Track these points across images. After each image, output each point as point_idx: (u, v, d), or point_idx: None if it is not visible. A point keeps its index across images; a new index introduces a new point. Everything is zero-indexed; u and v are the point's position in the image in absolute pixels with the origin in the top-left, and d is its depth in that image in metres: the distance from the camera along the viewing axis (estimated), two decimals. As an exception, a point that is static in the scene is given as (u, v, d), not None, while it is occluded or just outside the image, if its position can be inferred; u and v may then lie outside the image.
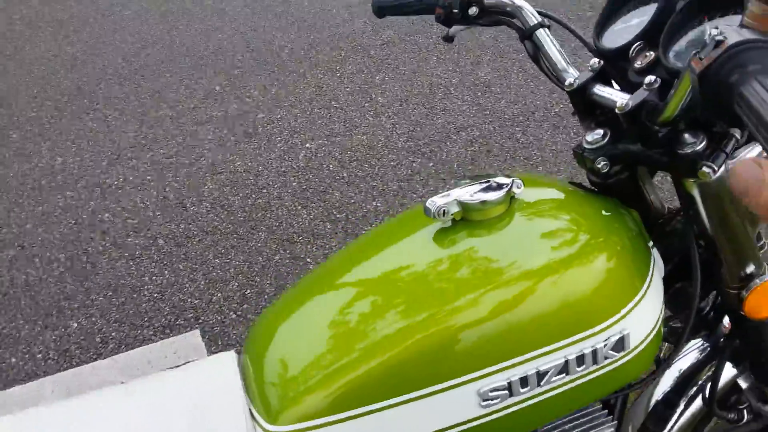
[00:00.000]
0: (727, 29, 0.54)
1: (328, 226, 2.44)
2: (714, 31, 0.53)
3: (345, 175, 2.70)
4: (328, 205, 2.54)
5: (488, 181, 0.78)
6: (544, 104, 2.98)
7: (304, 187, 2.65)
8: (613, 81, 0.84)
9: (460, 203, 0.75)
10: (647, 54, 0.78)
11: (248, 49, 3.76)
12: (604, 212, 0.80)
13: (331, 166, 2.75)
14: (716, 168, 0.69)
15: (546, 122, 2.88)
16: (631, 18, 0.84)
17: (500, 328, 0.70)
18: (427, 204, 0.75)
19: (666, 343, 0.94)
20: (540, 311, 0.71)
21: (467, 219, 0.76)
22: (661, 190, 0.87)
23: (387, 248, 0.81)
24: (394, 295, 0.74)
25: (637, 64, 0.78)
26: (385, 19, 3.87)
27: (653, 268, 0.79)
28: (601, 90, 0.80)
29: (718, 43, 0.52)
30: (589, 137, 0.79)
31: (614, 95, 0.77)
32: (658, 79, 0.71)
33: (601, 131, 0.79)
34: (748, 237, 0.83)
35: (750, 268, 0.84)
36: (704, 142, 0.69)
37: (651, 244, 0.82)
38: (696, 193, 0.77)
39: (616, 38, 0.83)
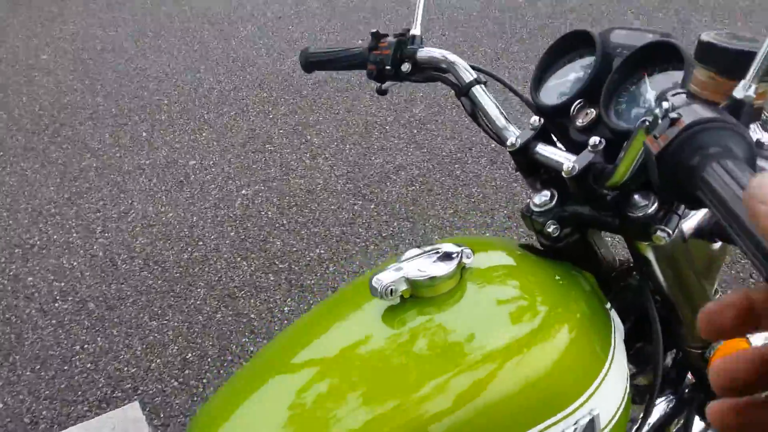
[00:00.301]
0: (679, 102, 0.51)
1: (271, 278, 2.36)
2: (665, 104, 0.51)
3: (285, 222, 2.62)
4: (269, 255, 2.46)
5: (437, 251, 0.74)
6: (479, 140, 3.00)
7: (243, 237, 2.56)
8: (554, 138, 0.82)
9: (409, 280, 0.71)
10: (588, 112, 0.76)
11: (175, 92, 3.64)
12: (558, 278, 0.77)
13: (269, 213, 2.67)
14: (671, 232, 0.67)
15: (483, 158, 2.90)
16: (567, 72, 0.83)
17: (466, 419, 0.66)
18: (372, 283, 0.70)
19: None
20: (505, 397, 0.67)
21: (417, 296, 0.72)
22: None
23: (333, 331, 0.75)
24: (345, 386, 0.68)
25: (579, 122, 0.77)
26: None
27: (614, 334, 0.77)
28: (543, 149, 0.78)
29: (673, 121, 0.49)
30: (537, 199, 0.77)
31: (558, 156, 0.75)
32: (603, 141, 0.69)
33: (548, 193, 0.77)
34: (706, 295, 0.82)
35: None
36: (656, 204, 0.67)
37: (608, 305, 0.80)
38: (650, 255, 0.76)
39: (554, 94, 0.82)
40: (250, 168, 2.95)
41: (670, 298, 0.80)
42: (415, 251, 0.76)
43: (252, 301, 2.26)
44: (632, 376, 0.92)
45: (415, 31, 1.01)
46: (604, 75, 0.75)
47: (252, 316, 2.21)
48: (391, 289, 0.69)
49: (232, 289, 2.32)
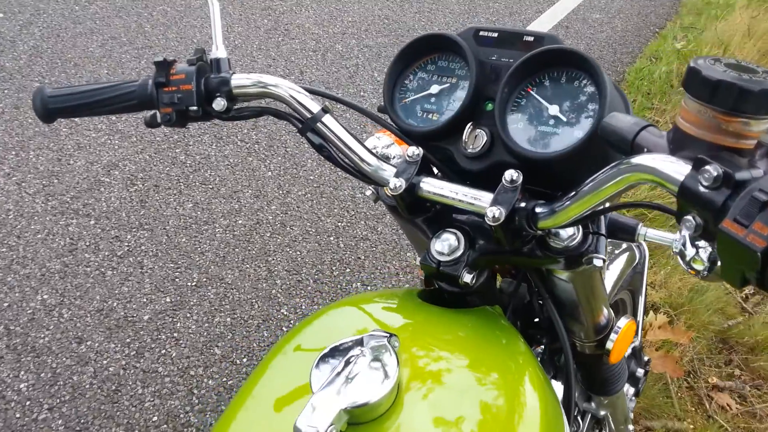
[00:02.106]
0: (747, 174, 0.46)
1: (-14, 352, 1.79)
2: (712, 170, 0.46)
3: (-22, 271, 2.00)
4: (-28, 322, 1.86)
5: (349, 345, 0.58)
6: (194, 114, 2.65)
7: None
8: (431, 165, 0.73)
9: (348, 411, 0.54)
10: (477, 134, 0.69)
11: None
12: (485, 332, 0.69)
13: (-50, 265, 2.01)
14: (605, 257, 0.65)
15: (206, 135, 2.57)
16: (426, 84, 0.74)
17: None
18: None
19: None
20: None
21: (355, 422, 0.56)
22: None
23: None
24: None
25: (470, 149, 0.69)
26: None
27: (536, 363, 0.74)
28: (430, 184, 0.68)
29: (765, 205, 0.43)
30: (440, 247, 0.68)
31: (460, 194, 0.66)
32: (520, 174, 0.63)
33: (451, 237, 0.68)
34: (605, 293, 0.84)
35: (604, 319, 0.86)
36: (581, 231, 0.65)
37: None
38: (564, 275, 0.74)
39: (420, 113, 0.73)
40: None
41: (576, 302, 0.80)
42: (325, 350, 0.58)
43: (-31, 392, 1.69)
44: None
45: (219, 52, 0.75)
46: (481, 87, 0.69)
47: (-22, 412, 1.65)
48: None
49: (-67, 386, 1.70)
